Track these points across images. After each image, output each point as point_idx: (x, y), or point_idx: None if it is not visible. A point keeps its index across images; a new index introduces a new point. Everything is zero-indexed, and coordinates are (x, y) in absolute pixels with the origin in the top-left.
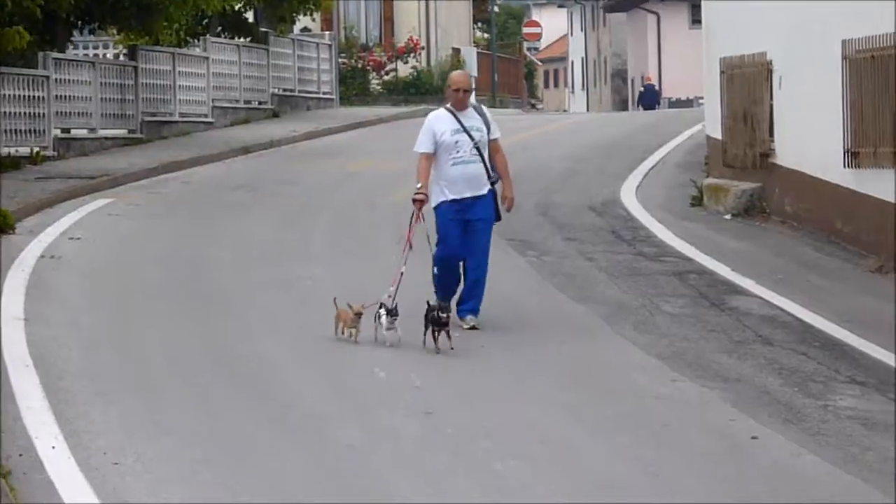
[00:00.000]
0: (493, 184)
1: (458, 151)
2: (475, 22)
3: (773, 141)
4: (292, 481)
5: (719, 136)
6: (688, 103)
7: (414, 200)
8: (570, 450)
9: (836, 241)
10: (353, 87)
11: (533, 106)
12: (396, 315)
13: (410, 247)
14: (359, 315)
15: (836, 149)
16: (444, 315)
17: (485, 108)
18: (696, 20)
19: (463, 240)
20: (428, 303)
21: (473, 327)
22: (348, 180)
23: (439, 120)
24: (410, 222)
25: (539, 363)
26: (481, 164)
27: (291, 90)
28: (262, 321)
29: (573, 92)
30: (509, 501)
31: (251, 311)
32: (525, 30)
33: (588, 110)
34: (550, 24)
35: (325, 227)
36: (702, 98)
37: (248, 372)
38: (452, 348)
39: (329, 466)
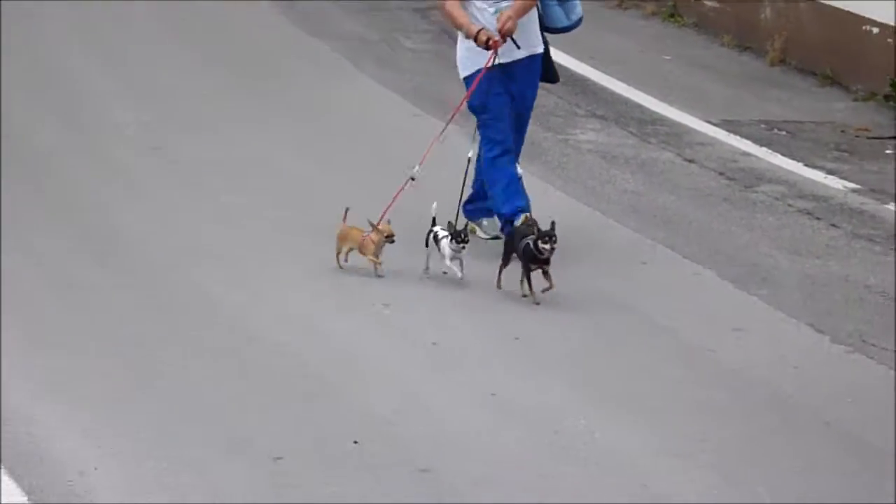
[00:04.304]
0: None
1: None
2: None
3: None
4: (20, 211)
5: None
6: None
7: (489, 44)
8: (302, 183)
9: None
10: None
11: None
12: (466, 241)
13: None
14: (389, 238)
15: None
16: (547, 246)
17: None
18: None
19: (511, 117)
20: (511, 223)
21: (496, 237)
22: None
23: None
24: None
25: (275, 96)
26: (532, 8)
27: None
28: None
29: None
30: (237, 228)
31: None
32: None
33: None
34: None
35: None
36: None
37: None
38: (552, 287)
39: (57, 200)
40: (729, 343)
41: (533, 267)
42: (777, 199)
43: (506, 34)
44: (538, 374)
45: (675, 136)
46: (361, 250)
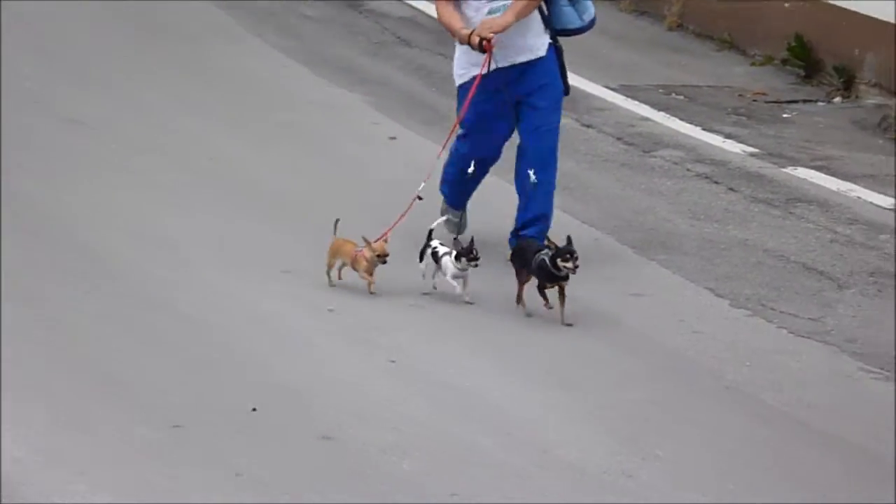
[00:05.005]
0: (554, 37)
1: None
2: None
3: None
4: None
5: None
6: None
7: (480, 43)
8: (207, 147)
9: None
10: None
11: None
12: (476, 258)
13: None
14: (381, 258)
15: None
16: (569, 264)
17: None
18: None
19: (505, 132)
20: (519, 235)
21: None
22: None
23: None
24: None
25: (190, 68)
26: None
27: None
28: None
29: None
30: (180, 216)
31: None
32: None
33: None
34: None
35: None
36: None
37: None
38: (563, 306)
39: None
40: (628, 308)
41: (548, 285)
42: (675, 163)
43: (482, 35)
44: (437, 341)
45: (572, 101)
46: (353, 266)
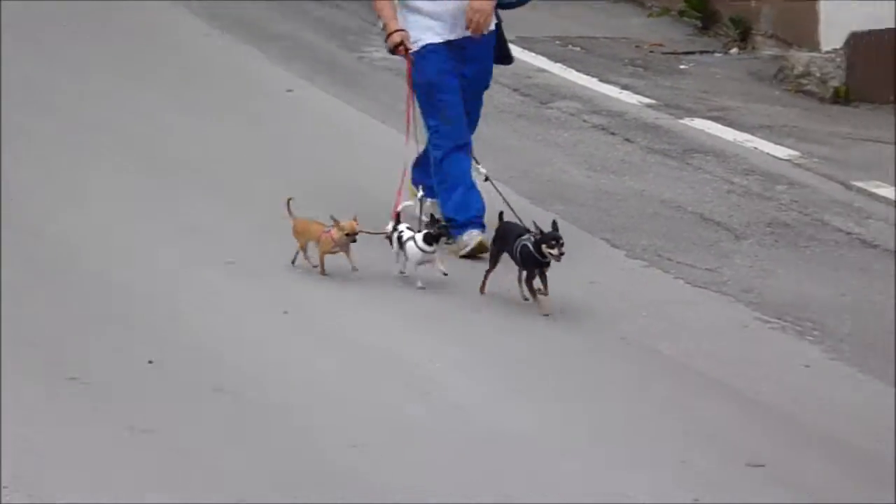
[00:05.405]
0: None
1: None
2: None
3: None
4: None
5: None
6: None
7: (396, 47)
8: (144, 120)
9: None
10: None
11: None
12: (447, 235)
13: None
14: (351, 237)
15: None
16: (554, 251)
17: None
18: None
19: (458, 87)
20: (501, 216)
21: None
22: None
23: None
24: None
25: (102, 31)
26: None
27: None
28: None
29: None
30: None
31: None
32: None
33: None
34: None
35: None
36: None
37: None
38: (545, 293)
39: None
40: None
41: (534, 271)
42: (572, 114)
43: (476, 30)
44: (332, 291)
45: None
46: (322, 245)
